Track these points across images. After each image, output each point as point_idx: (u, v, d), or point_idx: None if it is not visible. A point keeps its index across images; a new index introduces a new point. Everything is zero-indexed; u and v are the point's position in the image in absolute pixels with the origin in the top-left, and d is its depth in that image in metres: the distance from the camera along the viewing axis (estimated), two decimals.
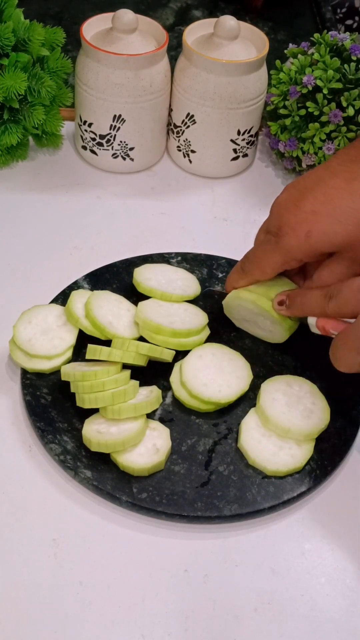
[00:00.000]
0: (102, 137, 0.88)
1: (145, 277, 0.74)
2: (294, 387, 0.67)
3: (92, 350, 0.65)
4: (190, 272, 0.77)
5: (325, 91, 0.83)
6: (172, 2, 1.22)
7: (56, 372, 0.67)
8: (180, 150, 0.92)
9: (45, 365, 0.67)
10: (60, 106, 0.89)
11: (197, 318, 0.71)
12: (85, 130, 0.89)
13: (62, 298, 0.73)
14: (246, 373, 0.67)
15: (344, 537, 0.61)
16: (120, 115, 0.85)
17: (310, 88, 0.84)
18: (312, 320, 0.64)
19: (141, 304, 0.70)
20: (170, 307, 0.71)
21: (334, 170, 0.61)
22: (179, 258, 0.79)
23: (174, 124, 0.90)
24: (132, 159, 0.90)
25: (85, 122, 0.88)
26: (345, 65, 0.84)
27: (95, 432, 0.61)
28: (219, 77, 0.83)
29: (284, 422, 0.63)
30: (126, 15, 0.83)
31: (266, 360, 0.71)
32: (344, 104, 0.84)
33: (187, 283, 0.75)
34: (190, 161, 0.92)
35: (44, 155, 0.93)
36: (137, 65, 0.82)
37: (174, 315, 0.70)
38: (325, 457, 0.64)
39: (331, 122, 0.84)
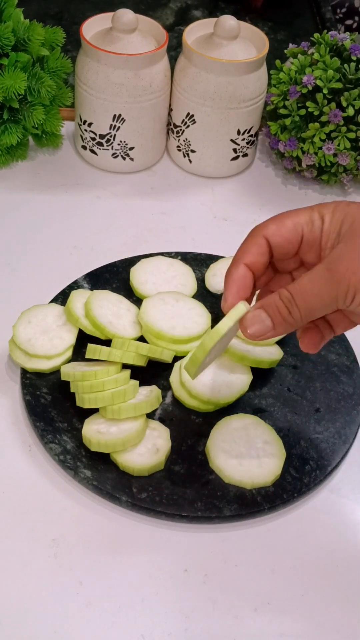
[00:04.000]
0: (102, 136, 0.88)
1: (140, 280, 0.75)
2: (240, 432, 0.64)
3: (92, 350, 0.64)
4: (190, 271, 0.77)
5: (325, 91, 0.83)
6: (172, 2, 1.22)
7: (56, 372, 0.67)
8: (180, 150, 0.92)
9: (45, 365, 0.67)
10: (60, 106, 0.89)
11: (201, 320, 0.71)
12: (85, 130, 0.89)
13: (61, 298, 0.73)
14: (246, 374, 0.67)
15: (344, 536, 0.60)
16: (120, 115, 0.85)
17: (310, 88, 0.84)
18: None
19: (145, 303, 0.70)
20: (175, 304, 0.71)
21: None
22: (179, 258, 0.79)
23: (174, 123, 0.90)
24: (132, 159, 0.90)
25: (85, 121, 0.88)
26: (345, 65, 0.84)
27: (95, 432, 0.61)
28: (219, 76, 0.83)
29: (238, 476, 0.61)
30: (126, 15, 0.83)
31: None
32: (344, 104, 0.84)
33: (183, 281, 0.75)
34: (190, 161, 0.92)
35: (43, 155, 0.93)
36: (137, 65, 0.82)
37: (177, 317, 0.70)
38: (325, 457, 0.64)
39: (331, 122, 0.84)
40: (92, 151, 0.90)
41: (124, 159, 0.90)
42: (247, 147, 0.91)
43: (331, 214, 0.52)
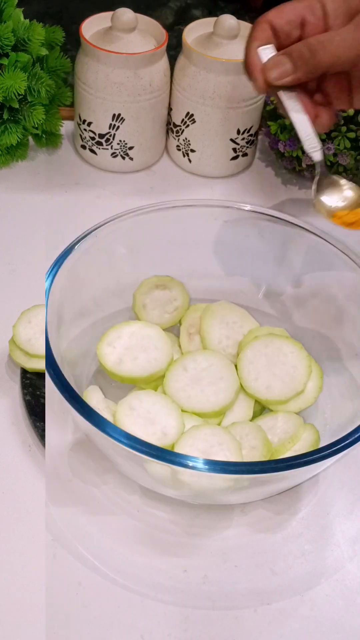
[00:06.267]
0: (101, 136, 0.88)
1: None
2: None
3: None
4: None
5: None
6: (171, 1, 1.22)
7: None
8: (179, 150, 0.92)
9: (45, 365, 0.66)
10: (60, 105, 0.89)
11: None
12: (85, 130, 0.89)
13: None
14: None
15: (344, 537, 0.60)
16: (119, 115, 0.85)
17: None
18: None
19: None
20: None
21: None
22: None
23: (174, 123, 0.90)
24: (131, 158, 0.90)
25: (84, 121, 0.88)
26: None
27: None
28: (219, 76, 0.83)
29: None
30: (125, 14, 0.83)
31: None
32: None
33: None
34: (190, 160, 0.92)
35: (43, 155, 0.93)
36: (136, 64, 0.82)
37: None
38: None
39: None
40: (92, 151, 0.90)
41: (124, 158, 0.90)
42: (247, 147, 0.91)
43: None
